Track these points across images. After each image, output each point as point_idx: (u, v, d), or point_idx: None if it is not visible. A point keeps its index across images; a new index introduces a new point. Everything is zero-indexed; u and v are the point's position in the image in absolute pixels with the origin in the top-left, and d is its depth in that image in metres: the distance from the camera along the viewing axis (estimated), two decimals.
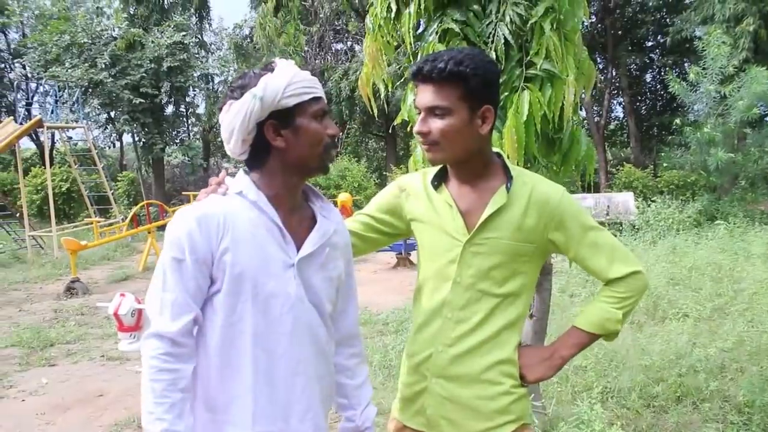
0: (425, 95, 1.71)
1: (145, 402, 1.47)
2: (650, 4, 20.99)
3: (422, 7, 2.97)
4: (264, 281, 1.53)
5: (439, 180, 1.85)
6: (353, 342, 1.84)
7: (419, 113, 1.74)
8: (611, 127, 27.74)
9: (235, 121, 1.53)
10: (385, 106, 18.48)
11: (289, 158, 1.58)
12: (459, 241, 1.78)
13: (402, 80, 3.26)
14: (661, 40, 21.74)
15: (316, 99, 1.57)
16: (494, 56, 2.84)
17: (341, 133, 25.90)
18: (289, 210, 1.61)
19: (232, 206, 1.55)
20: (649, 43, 23.85)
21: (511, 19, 2.83)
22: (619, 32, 22.94)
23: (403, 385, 1.95)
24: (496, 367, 1.80)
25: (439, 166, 1.87)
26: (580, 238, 1.79)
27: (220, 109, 1.60)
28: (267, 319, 1.54)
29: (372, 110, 3.25)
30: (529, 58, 2.87)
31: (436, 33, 2.94)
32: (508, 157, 2.76)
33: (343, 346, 1.80)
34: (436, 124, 1.70)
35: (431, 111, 1.71)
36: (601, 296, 1.84)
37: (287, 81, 1.52)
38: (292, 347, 1.57)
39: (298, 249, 1.59)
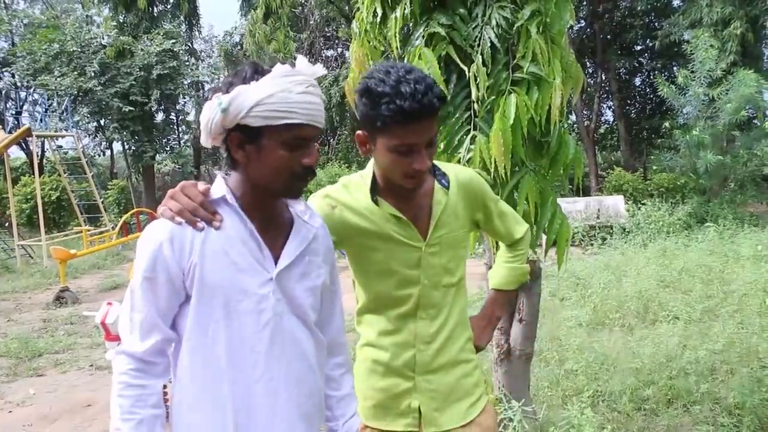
0: (425, 131, 1.62)
1: (113, 418, 1.42)
2: (639, 8, 21.05)
3: (408, 11, 2.97)
4: (238, 299, 1.45)
5: (374, 194, 1.81)
6: (338, 351, 1.76)
7: (407, 151, 1.64)
8: (601, 130, 27.82)
9: (202, 120, 1.47)
10: None
11: (251, 174, 1.48)
12: (417, 248, 1.82)
13: None
14: (650, 44, 21.81)
15: (291, 126, 1.42)
16: (481, 60, 2.83)
17: (332, 140, 25.89)
18: (264, 218, 1.53)
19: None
20: (638, 47, 23.92)
21: (497, 22, 2.82)
22: (608, 36, 23.03)
23: (374, 391, 1.92)
24: (465, 346, 1.96)
25: (366, 179, 1.82)
26: (493, 211, 2.00)
27: None
28: (242, 339, 1.46)
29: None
30: (515, 61, 2.86)
31: (423, 37, 2.93)
32: (495, 161, 2.77)
33: (328, 355, 1.71)
34: (429, 154, 1.68)
35: (429, 143, 1.66)
36: (507, 257, 2.14)
37: (257, 99, 1.39)
38: (271, 367, 1.49)
39: (277, 260, 1.52)
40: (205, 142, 1.51)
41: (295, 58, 1.56)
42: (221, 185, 1.52)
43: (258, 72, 1.44)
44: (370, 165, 1.84)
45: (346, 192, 1.85)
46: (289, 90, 1.41)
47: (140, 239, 1.47)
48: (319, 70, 1.50)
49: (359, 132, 1.73)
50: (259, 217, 1.52)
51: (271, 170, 1.46)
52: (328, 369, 1.73)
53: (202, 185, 1.51)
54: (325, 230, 1.68)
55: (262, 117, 1.40)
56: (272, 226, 1.55)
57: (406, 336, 1.87)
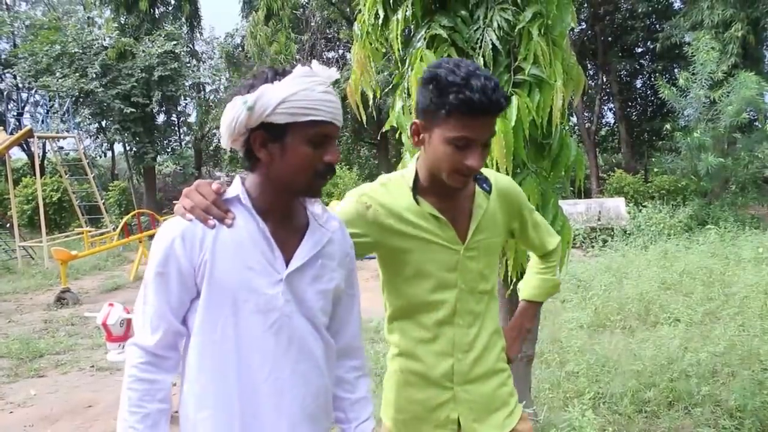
0: (486, 128, 1.63)
1: (121, 410, 1.46)
2: (640, 10, 21.08)
3: (410, 13, 2.97)
4: (246, 298, 1.46)
5: (414, 192, 1.79)
6: (354, 354, 1.75)
7: (464, 146, 1.63)
8: (602, 132, 27.84)
9: (225, 121, 1.47)
10: (375, 113, 18.54)
11: (272, 174, 1.50)
12: (455, 250, 1.79)
13: (391, 87, 3.24)
14: (651, 46, 21.84)
15: (315, 122, 1.44)
16: (482, 62, 2.84)
17: None
18: (279, 219, 1.54)
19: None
20: (639, 49, 23.95)
21: (498, 24, 2.83)
22: (609, 38, 23.06)
23: (410, 404, 1.87)
24: (500, 355, 1.93)
25: (408, 179, 1.80)
26: (528, 221, 1.98)
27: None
28: (250, 338, 1.47)
29: (361, 117, 3.23)
30: (517, 63, 2.87)
31: (424, 39, 2.93)
32: (496, 163, 2.78)
33: (343, 358, 1.71)
34: (483, 154, 1.66)
35: (485, 144, 1.65)
36: (539, 269, 2.13)
37: (283, 97, 1.42)
38: (278, 367, 1.50)
39: (289, 261, 1.52)
40: (226, 143, 1.52)
41: (296, 60, 1.56)
42: (237, 185, 1.53)
43: (279, 73, 1.47)
44: (412, 163, 1.81)
45: (384, 191, 1.81)
46: (312, 89, 1.44)
47: (157, 233, 1.51)
48: (334, 74, 1.52)
49: (415, 121, 1.70)
50: (274, 218, 1.53)
51: (295, 168, 1.47)
52: (344, 372, 1.73)
53: (216, 184, 1.53)
54: (342, 234, 1.67)
55: (289, 114, 1.42)
56: (287, 227, 1.56)
57: (444, 344, 1.82)
